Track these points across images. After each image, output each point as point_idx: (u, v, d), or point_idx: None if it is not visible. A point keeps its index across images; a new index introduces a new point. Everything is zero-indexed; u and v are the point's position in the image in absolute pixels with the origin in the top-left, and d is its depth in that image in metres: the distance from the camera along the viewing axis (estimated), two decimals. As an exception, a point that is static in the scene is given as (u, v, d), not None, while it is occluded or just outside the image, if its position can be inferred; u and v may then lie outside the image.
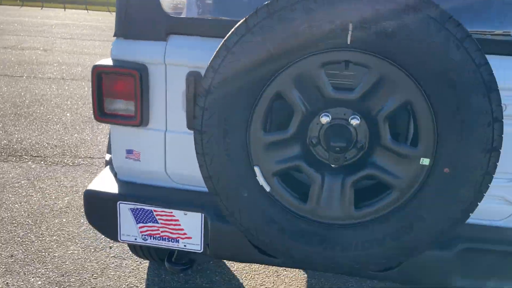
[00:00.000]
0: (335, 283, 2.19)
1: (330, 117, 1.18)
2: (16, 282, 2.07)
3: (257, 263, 1.62)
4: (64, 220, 2.66)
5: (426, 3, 1.05)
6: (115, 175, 1.66)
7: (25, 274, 2.14)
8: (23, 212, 2.72)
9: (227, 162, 1.24)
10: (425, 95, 1.10)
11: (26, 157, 3.60)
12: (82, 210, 2.69)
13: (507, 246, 1.38)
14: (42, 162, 3.51)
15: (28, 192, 2.99)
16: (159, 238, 1.55)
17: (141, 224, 1.54)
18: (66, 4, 30.82)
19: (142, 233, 1.55)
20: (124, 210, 1.53)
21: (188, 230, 1.51)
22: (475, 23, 1.49)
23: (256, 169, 1.23)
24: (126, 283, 2.12)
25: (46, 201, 2.88)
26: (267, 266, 2.26)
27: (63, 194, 2.99)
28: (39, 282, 2.08)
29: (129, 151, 1.59)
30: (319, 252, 1.27)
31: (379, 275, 1.43)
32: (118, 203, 1.53)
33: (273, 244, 1.31)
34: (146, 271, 2.23)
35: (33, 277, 2.11)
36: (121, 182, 1.62)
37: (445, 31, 1.05)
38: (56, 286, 2.06)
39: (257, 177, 1.24)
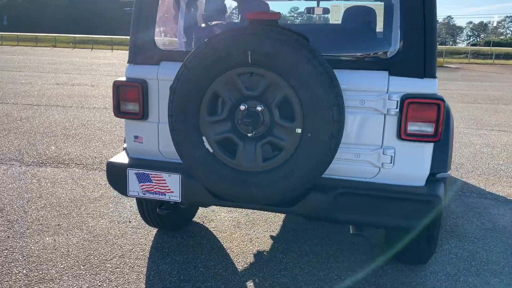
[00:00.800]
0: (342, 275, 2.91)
1: (246, 106, 1.97)
2: (60, 239, 2.91)
3: (213, 205, 2.36)
4: (98, 205, 3.52)
5: (289, 37, 1.85)
6: (127, 153, 2.50)
7: (67, 235, 2.98)
8: (68, 200, 3.60)
9: (186, 135, 2.05)
10: (295, 91, 1.88)
11: (71, 164, 4.54)
12: (112, 198, 3.57)
13: (371, 191, 2.09)
14: (84, 168, 4.44)
15: (72, 187, 3.89)
16: (153, 193, 2.36)
17: (141, 183, 2.36)
18: (113, 46, 33.36)
19: (143, 190, 2.36)
20: (131, 174, 2.35)
21: (171, 186, 2.31)
22: (332, 48, 2.28)
23: (204, 138, 2.04)
24: (139, 243, 2.92)
25: (85, 193, 3.77)
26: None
27: (98, 188, 3.87)
28: (76, 239, 2.91)
29: (136, 137, 2.44)
30: (243, 190, 2.04)
31: (287, 210, 2.17)
32: (127, 169, 2.36)
33: (216, 187, 2.09)
34: (153, 237, 3.02)
35: (72, 237, 2.95)
36: (130, 157, 2.47)
37: (301, 53, 1.84)
38: (88, 242, 2.89)
39: (204, 143, 2.04)
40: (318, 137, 1.89)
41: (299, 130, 1.91)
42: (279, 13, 2.02)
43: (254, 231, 3.17)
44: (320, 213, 2.12)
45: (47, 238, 2.91)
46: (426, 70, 2.04)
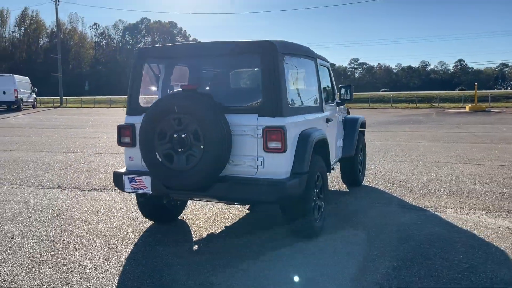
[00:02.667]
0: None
1: (177, 135, 3.66)
2: (88, 228, 4.68)
3: (166, 194, 3.97)
4: (121, 210, 5.29)
5: (197, 97, 3.56)
6: (126, 167, 4.27)
7: (94, 225, 4.75)
8: (104, 208, 5.42)
9: (148, 152, 3.77)
10: (200, 126, 3.54)
11: (112, 189, 6.40)
12: (128, 207, 5.32)
13: (252, 181, 3.65)
14: (119, 192, 6.30)
15: (107, 201, 5.72)
16: (137, 189, 4.07)
17: (131, 183, 4.09)
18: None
19: (132, 187, 4.09)
20: (125, 178, 4.09)
21: (146, 184, 4.00)
22: (230, 101, 3.91)
23: (156, 154, 3.75)
24: (141, 228, 4.61)
25: (115, 204, 5.57)
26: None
27: (124, 201, 5.66)
28: (100, 228, 4.67)
29: (130, 157, 4.20)
30: (177, 181, 3.69)
31: (204, 193, 3.77)
32: (123, 175, 4.11)
33: (164, 181, 3.77)
34: (150, 225, 4.70)
35: (95, 227, 4.72)
36: (127, 169, 4.23)
37: (202, 106, 3.52)
38: (109, 230, 4.63)
39: (157, 156, 3.75)
40: (212, 151, 3.53)
41: (202, 146, 3.57)
42: (197, 84, 3.76)
43: (216, 224, 4.77)
44: (223, 195, 3.71)
45: (92, 226, 4.71)
46: (276, 113, 3.64)
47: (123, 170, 4.25)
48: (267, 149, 3.65)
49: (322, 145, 4.40)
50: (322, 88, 4.79)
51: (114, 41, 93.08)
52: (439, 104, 32.74)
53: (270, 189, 3.63)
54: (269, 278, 3.35)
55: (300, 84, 4.61)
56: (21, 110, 29.01)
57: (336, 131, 5.40)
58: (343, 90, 5.51)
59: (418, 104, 33.38)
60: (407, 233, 4.38)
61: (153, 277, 3.42)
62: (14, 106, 28.84)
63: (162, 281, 3.34)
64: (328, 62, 5.47)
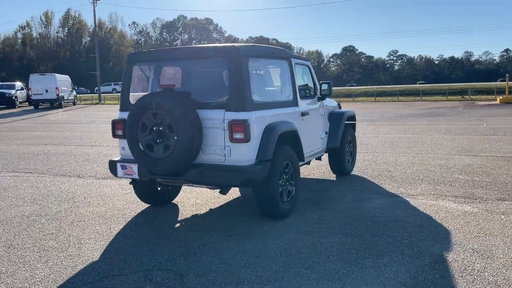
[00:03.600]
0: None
1: (155, 128, 4.29)
2: (93, 209, 5.41)
3: (150, 178, 4.62)
4: (127, 196, 6.01)
5: (171, 94, 4.17)
6: (120, 156, 4.95)
7: (99, 207, 5.48)
8: (111, 194, 6.15)
9: (132, 142, 4.43)
10: (173, 120, 4.15)
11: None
12: (132, 192, 6.02)
13: (221, 167, 4.23)
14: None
15: (117, 187, 6.46)
16: (128, 174, 4.75)
17: (123, 170, 4.76)
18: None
19: (124, 173, 4.77)
20: (118, 165, 4.78)
21: (135, 170, 4.67)
22: (204, 98, 4.47)
23: (139, 144, 4.40)
24: (139, 210, 5.30)
25: (122, 190, 6.30)
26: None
27: (131, 188, 6.38)
28: (104, 209, 5.39)
29: (123, 148, 4.88)
30: (157, 168, 4.32)
31: (179, 178, 4.38)
32: (117, 163, 4.79)
33: (147, 167, 4.41)
34: (145, 207, 5.38)
35: (99, 209, 5.44)
36: (121, 158, 4.91)
37: (175, 102, 4.13)
38: (110, 211, 5.34)
39: (140, 146, 4.40)
40: (183, 141, 4.14)
41: (175, 137, 4.18)
42: (173, 84, 4.38)
43: (202, 208, 5.40)
44: (195, 179, 4.32)
45: (104, 207, 5.45)
46: (239, 107, 4.21)
47: (115, 158, 4.94)
48: (232, 140, 4.22)
49: (292, 137, 4.92)
50: (297, 85, 5.29)
51: (152, 38, 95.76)
52: (471, 97, 32.01)
53: (234, 174, 4.20)
54: (230, 250, 3.94)
55: (268, 82, 5.14)
56: (62, 107, 30.76)
57: (316, 123, 5.88)
58: (324, 86, 5.97)
59: (448, 97, 32.77)
60: (370, 215, 4.84)
61: (134, 247, 4.08)
62: (55, 103, 30.62)
63: (140, 250, 3.99)
64: (308, 61, 5.95)
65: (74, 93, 35.11)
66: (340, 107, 7.28)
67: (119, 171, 4.78)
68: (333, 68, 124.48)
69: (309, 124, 5.56)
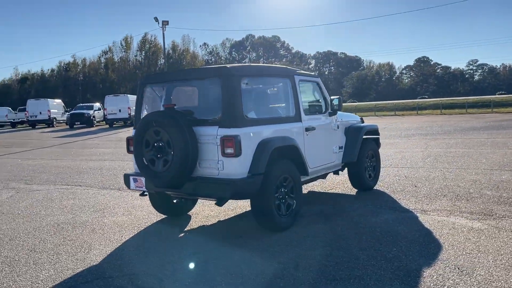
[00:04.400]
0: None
1: (156, 144, 4.68)
2: (115, 219, 5.90)
3: (155, 190, 4.99)
4: (149, 204, 6.47)
5: (170, 113, 4.54)
6: (134, 170, 5.40)
7: (121, 217, 5.96)
8: (115, 204, 6.65)
9: (138, 157, 4.85)
10: (170, 137, 4.51)
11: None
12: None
13: (216, 180, 4.51)
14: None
15: (119, 197, 6.96)
16: (138, 187, 5.17)
17: (135, 183, 5.20)
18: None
19: (135, 186, 5.20)
20: (131, 178, 5.22)
21: (144, 183, 5.08)
22: (200, 115, 4.77)
23: (143, 159, 4.80)
24: (154, 217, 5.71)
25: (131, 200, 6.78)
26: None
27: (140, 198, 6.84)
28: (124, 219, 5.86)
29: (135, 162, 5.34)
30: (158, 181, 4.69)
31: (178, 190, 4.69)
32: (130, 176, 5.24)
33: (151, 180, 4.80)
34: (162, 218, 5.78)
35: (121, 218, 5.92)
36: (133, 172, 5.35)
37: (173, 121, 4.49)
38: (129, 221, 5.80)
39: (144, 161, 4.80)
40: (179, 156, 4.47)
41: (172, 153, 4.53)
42: (174, 104, 4.75)
43: (212, 219, 5.69)
44: (191, 192, 4.63)
45: (118, 217, 5.95)
46: (231, 124, 4.47)
47: (131, 172, 5.39)
48: (224, 154, 4.49)
49: (292, 151, 5.08)
50: (300, 101, 5.45)
51: (222, 58, 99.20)
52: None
53: (225, 187, 4.45)
54: (216, 259, 4.17)
55: (266, 99, 5.35)
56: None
57: (326, 138, 5.97)
58: (335, 101, 6.06)
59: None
60: (369, 230, 4.83)
61: (133, 253, 4.46)
62: (128, 121, 32.80)
63: (137, 257, 4.36)
64: (316, 77, 6.08)
65: (145, 112, 37.28)
66: (362, 122, 7.27)
67: (132, 183, 5.22)
68: (406, 80, 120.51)
69: (316, 138, 5.67)
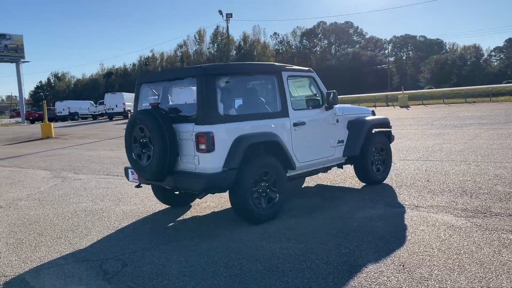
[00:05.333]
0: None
1: (142, 140, 5.06)
2: (123, 207, 6.42)
3: (144, 183, 5.39)
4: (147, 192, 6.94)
5: (150, 111, 4.90)
6: None
7: (130, 206, 6.48)
8: (120, 191, 7.16)
9: (128, 152, 5.27)
10: (151, 133, 4.87)
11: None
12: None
13: (191, 174, 4.81)
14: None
15: (119, 184, 7.45)
16: (135, 179, 5.61)
17: (132, 175, 5.65)
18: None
19: (133, 178, 5.65)
20: (129, 171, 5.68)
21: (138, 177, 5.52)
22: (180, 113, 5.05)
23: (132, 153, 5.22)
24: (158, 208, 6.16)
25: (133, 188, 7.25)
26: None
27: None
28: (131, 208, 6.37)
29: (134, 156, 5.79)
30: (143, 174, 5.09)
31: (161, 182, 5.05)
32: (128, 169, 5.71)
33: (139, 173, 5.21)
34: (164, 208, 6.20)
35: (129, 207, 6.43)
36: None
37: (152, 118, 4.85)
38: (135, 210, 6.30)
39: (133, 155, 5.22)
40: (157, 152, 4.82)
41: (152, 148, 4.89)
42: (158, 102, 5.10)
43: (208, 210, 6.00)
44: (172, 185, 4.96)
45: (121, 207, 6.49)
46: (204, 121, 4.72)
47: (127, 167, 5.86)
48: (198, 150, 4.76)
49: (274, 146, 5.23)
50: (288, 96, 5.54)
51: (292, 47, 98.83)
52: None
53: (198, 181, 4.73)
54: (183, 248, 4.48)
55: (246, 96, 5.50)
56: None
57: (321, 132, 6.00)
58: (331, 95, 6.05)
59: None
60: (345, 225, 4.86)
61: (118, 239, 4.91)
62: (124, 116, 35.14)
63: (119, 243, 4.79)
64: (310, 72, 6.10)
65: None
66: (374, 114, 7.15)
67: (130, 176, 5.69)
68: (495, 63, 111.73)
69: (308, 133, 5.74)
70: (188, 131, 4.88)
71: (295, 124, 5.57)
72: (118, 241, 4.87)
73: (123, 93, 39.35)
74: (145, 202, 6.66)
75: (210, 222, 5.42)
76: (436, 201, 5.62)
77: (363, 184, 6.90)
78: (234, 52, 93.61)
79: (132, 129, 5.17)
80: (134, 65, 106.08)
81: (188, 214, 5.84)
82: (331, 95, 6.02)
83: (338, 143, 6.31)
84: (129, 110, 37.97)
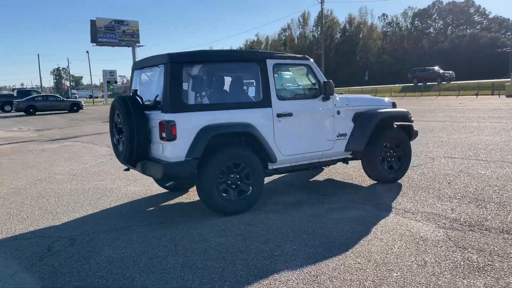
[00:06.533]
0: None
1: (119, 126, 5.22)
2: (129, 188, 6.72)
3: (125, 165, 5.54)
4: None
5: (124, 99, 5.03)
6: None
7: (136, 187, 6.76)
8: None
9: (112, 137, 5.48)
10: (122, 120, 5.00)
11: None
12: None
13: (158, 160, 4.87)
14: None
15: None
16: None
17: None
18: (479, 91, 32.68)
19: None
20: (123, 155, 5.92)
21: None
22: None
23: (113, 138, 5.42)
24: (158, 192, 6.36)
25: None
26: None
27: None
28: (136, 189, 6.64)
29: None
30: (120, 159, 5.26)
31: (135, 167, 5.17)
32: (122, 153, 5.95)
33: (119, 157, 5.39)
34: (163, 192, 6.38)
35: (135, 188, 6.70)
36: None
37: (124, 105, 4.98)
38: (139, 191, 6.56)
39: (114, 140, 5.41)
40: (126, 138, 4.95)
41: (124, 134, 5.03)
42: (136, 89, 5.21)
43: (197, 197, 6.03)
44: (141, 170, 5.07)
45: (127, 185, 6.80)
46: (168, 109, 4.71)
47: None
48: (161, 138, 4.78)
49: (247, 137, 5.05)
50: (271, 85, 5.26)
51: (402, 29, 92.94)
52: None
53: (158, 169, 4.77)
54: (151, 233, 4.57)
55: (221, 85, 5.29)
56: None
57: (315, 124, 5.62)
58: (326, 85, 5.62)
59: None
60: (310, 225, 4.55)
61: (91, 218, 5.17)
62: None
63: (88, 222, 5.05)
64: (305, 60, 5.69)
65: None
66: (394, 106, 6.51)
67: (122, 160, 5.92)
68: None
69: (296, 124, 5.42)
70: (155, 119, 4.92)
71: (279, 115, 5.30)
72: (93, 220, 5.13)
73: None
74: (152, 185, 6.87)
75: (185, 209, 5.43)
76: (434, 207, 4.97)
77: (374, 182, 6.36)
78: (339, 35, 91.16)
79: (113, 115, 5.36)
80: (240, 48, 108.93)
81: (174, 200, 5.92)
82: (326, 85, 5.60)
83: (338, 136, 5.87)
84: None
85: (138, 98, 5.17)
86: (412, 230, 4.25)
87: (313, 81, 5.73)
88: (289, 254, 3.78)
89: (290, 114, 5.37)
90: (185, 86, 4.90)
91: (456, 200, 5.22)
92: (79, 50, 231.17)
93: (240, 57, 5.47)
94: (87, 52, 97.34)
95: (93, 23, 51.16)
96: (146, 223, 4.92)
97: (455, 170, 6.84)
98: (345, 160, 6.17)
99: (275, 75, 5.39)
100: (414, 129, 6.55)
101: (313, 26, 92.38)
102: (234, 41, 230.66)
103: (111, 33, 53.25)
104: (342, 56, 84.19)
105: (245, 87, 5.49)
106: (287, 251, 3.85)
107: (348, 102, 5.99)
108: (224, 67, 5.35)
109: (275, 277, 3.35)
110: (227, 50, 5.52)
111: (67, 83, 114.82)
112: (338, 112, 5.84)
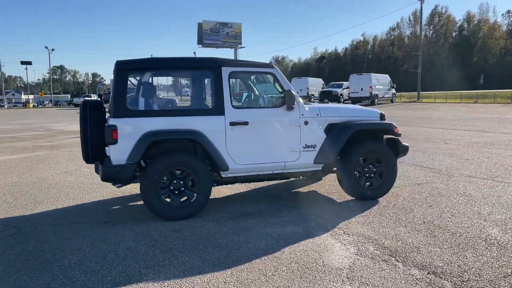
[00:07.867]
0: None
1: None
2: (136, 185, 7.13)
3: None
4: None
5: (97, 101, 5.40)
6: None
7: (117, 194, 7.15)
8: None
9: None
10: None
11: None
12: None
13: (101, 163, 5.15)
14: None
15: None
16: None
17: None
18: None
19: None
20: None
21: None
22: None
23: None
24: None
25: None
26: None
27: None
28: (126, 186, 7.04)
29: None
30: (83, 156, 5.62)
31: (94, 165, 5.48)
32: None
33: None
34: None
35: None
36: None
37: (98, 109, 5.33)
38: (129, 186, 6.95)
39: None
40: (81, 138, 5.29)
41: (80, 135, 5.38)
42: (104, 93, 5.54)
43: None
44: (95, 168, 5.37)
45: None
46: (111, 114, 4.94)
47: None
48: (107, 141, 5.03)
49: (194, 145, 5.10)
50: (225, 93, 5.19)
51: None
52: None
53: (99, 170, 5.04)
54: (88, 231, 4.89)
55: (167, 92, 5.32)
56: (374, 105, 32.72)
57: (276, 134, 5.42)
58: (285, 95, 5.38)
59: None
60: (234, 238, 4.44)
61: (82, 209, 5.62)
62: (368, 100, 32.93)
63: (69, 215, 5.50)
64: (270, 68, 5.46)
65: (393, 91, 36.37)
66: (383, 118, 6.01)
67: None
68: None
69: (252, 134, 5.30)
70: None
71: (232, 123, 5.23)
72: (56, 214, 5.57)
73: (308, 78, 40.60)
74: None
75: (136, 212, 5.60)
76: (376, 231, 4.52)
77: (352, 198, 5.93)
78: (454, 33, 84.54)
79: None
80: (345, 49, 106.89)
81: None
82: (286, 95, 5.36)
83: (306, 147, 5.59)
84: (312, 94, 39.02)
85: (101, 102, 5.49)
86: (321, 253, 3.93)
87: (280, 89, 5.54)
88: (172, 264, 3.77)
89: (245, 123, 5.27)
90: (133, 92, 5.10)
91: (409, 226, 4.68)
92: (185, 51, 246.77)
93: (193, 65, 5.49)
94: (194, 53, 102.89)
95: (199, 25, 53.95)
96: (96, 221, 5.18)
97: (459, 193, 6.08)
98: (316, 174, 5.86)
99: (231, 83, 5.33)
100: (403, 144, 5.96)
101: (425, 24, 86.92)
102: (339, 41, 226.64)
103: (216, 35, 55.64)
104: (456, 56, 77.93)
105: (201, 95, 5.52)
106: (182, 261, 3.83)
107: (320, 112, 5.67)
108: (177, 74, 5.44)
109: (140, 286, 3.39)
110: (180, 58, 5.52)
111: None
112: (306, 123, 5.56)
